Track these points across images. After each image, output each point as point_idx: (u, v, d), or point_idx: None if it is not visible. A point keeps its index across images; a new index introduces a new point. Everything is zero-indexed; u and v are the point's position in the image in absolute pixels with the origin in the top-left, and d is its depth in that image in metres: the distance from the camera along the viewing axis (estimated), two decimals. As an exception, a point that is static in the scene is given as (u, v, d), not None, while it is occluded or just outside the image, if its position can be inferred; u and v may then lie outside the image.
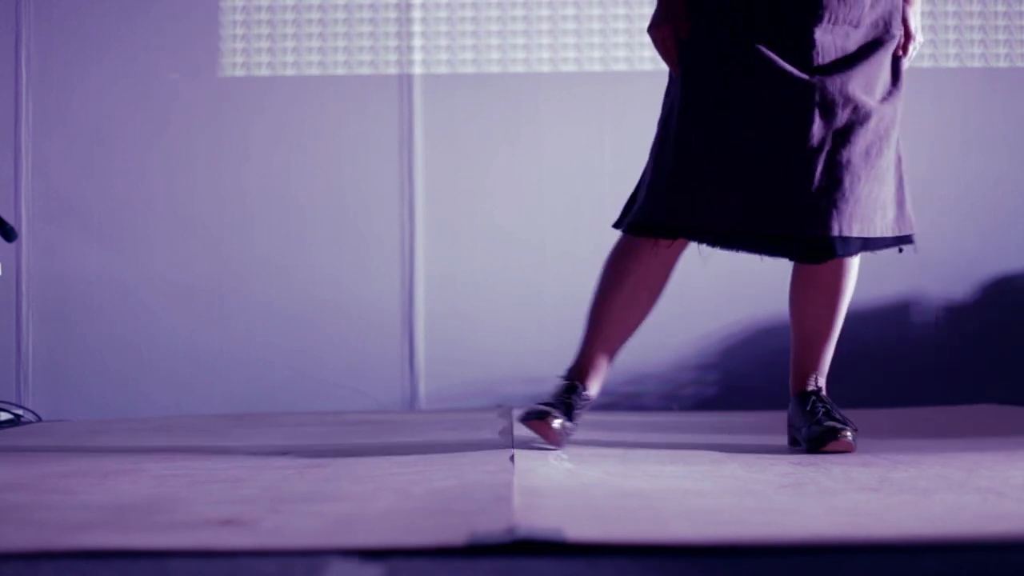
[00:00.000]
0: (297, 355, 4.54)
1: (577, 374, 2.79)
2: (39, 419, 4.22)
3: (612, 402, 4.49)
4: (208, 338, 4.54)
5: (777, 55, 2.61)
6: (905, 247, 2.76)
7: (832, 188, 2.61)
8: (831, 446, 2.63)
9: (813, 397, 2.75)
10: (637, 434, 3.26)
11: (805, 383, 2.79)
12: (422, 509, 1.77)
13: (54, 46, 4.59)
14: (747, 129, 2.63)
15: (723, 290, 4.49)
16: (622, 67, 4.61)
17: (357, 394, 4.52)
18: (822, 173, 2.61)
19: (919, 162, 4.32)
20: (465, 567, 1.40)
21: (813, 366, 2.80)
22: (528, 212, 4.60)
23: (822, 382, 2.80)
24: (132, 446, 3.10)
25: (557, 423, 2.68)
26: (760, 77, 2.62)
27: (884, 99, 2.67)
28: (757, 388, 4.48)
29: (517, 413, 2.80)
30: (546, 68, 4.63)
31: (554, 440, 2.67)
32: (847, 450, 2.63)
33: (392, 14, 4.63)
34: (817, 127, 2.60)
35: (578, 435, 2.76)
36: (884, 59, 2.68)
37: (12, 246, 4.26)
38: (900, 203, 2.72)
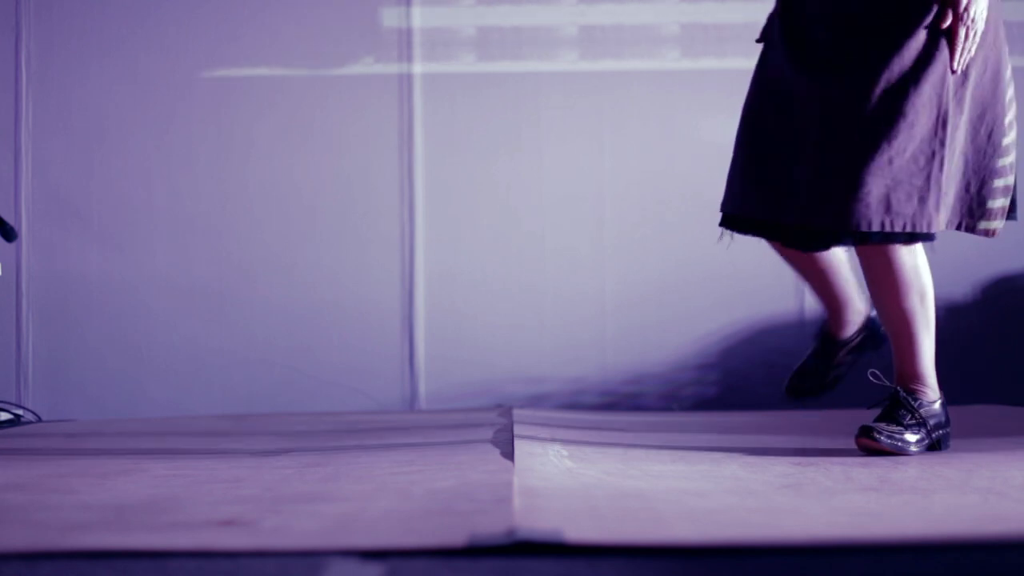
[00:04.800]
0: (297, 355, 4.54)
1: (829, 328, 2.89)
2: (39, 419, 4.22)
3: (612, 402, 4.50)
4: (208, 338, 4.54)
5: (786, 51, 2.67)
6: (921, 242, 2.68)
7: (821, 177, 2.60)
8: (859, 441, 2.61)
9: (889, 401, 2.70)
10: (637, 434, 3.26)
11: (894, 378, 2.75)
12: (422, 510, 1.77)
13: (54, 46, 4.59)
14: (762, 123, 2.72)
15: (723, 290, 4.50)
16: (622, 67, 4.61)
17: (357, 394, 4.52)
18: (810, 163, 2.62)
19: (919, 162, 4.32)
20: (465, 568, 1.40)
21: (899, 366, 2.74)
22: (528, 211, 4.61)
23: (915, 384, 2.72)
24: (132, 446, 3.10)
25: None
26: (771, 73, 2.71)
27: (896, 77, 2.58)
28: (757, 388, 4.48)
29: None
30: (546, 68, 4.63)
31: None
32: (863, 448, 2.59)
33: (392, 14, 4.63)
34: (808, 115, 2.62)
35: (578, 435, 2.76)
36: (896, 36, 2.59)
37: (12, 246, 4.27)
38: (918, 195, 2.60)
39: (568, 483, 2.09)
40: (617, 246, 4.57)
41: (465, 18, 4.64)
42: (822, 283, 2.85)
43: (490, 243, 4.60)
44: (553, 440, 2.86)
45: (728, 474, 2.26)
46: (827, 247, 2.71)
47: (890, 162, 2.56)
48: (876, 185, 2.56)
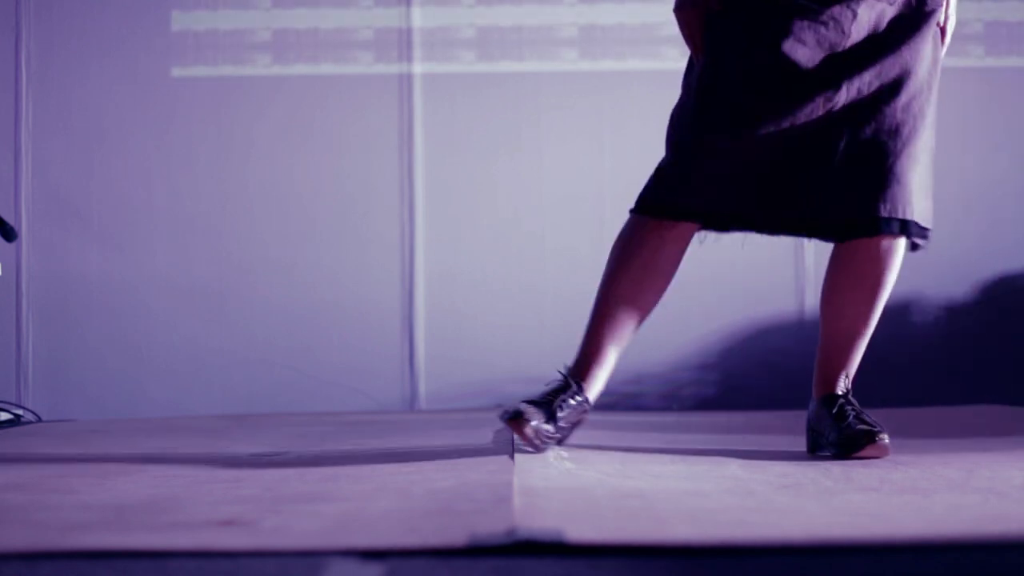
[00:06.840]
0: (297, 355, 4.54)
1: (575, 372, 2.66)
2: (39, 419, 4.22)
3: (612, 402, 4.49)
4: (208, 338, 4.54)
5: (810, 30, 2.55)
6: (920, 244, 2.65)
7: (859, 168, 2.55)
8: (867, 451, 2.51)
9: (841, 400, 2.62)
10: (637, 434, 3.26)
11: (833, 385, 2.66)
12: (422, 509, 1.77)
13: (54, 46, 4.59)
14: (766, 112, 2.55)
15: (723, 290, 4.49)
16: (622, 67, 4.61)
17: (357, 394, 4.52)
18: (845, 153, 2.54)
19: (919, 162, 4.32)
20: (465, 568, 1.40)
21: (842, 365, 2.66)
22: (528, 211, 4.61)
23: (849, 384, 2.67)
24: (132, 446, 3.10)
25: (531, 426, 2.52)
26: (781, 62, 2.55)
27: (918, 80, 2.61)
28: (757, 388, 4.48)
29: (499, 411, 2.62)
30: (546, 68, 4.63)
31: (528, 443, 2.53)
32: (881, 455, 2.51)
33: (392, 13, 4.63)
34: (839, 102, 2.54)
35: (578, 435, 2.75)
36: (918, 37, 2.61)
37: (12, 246, 4.26)
38: (928, 193, 2.63)
39: (568, 483, 2.09)
40: (617, 246, 4.56)
41: (465, 18, 4.63)
42: (657, 288, 2.71)
43: (490, 243, 4.60)
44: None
45: (728, 474, 2.26)
46: (848, 237, 2.62)
47: (917, 157, 2.58)
48: (913, 175, 2.57)
